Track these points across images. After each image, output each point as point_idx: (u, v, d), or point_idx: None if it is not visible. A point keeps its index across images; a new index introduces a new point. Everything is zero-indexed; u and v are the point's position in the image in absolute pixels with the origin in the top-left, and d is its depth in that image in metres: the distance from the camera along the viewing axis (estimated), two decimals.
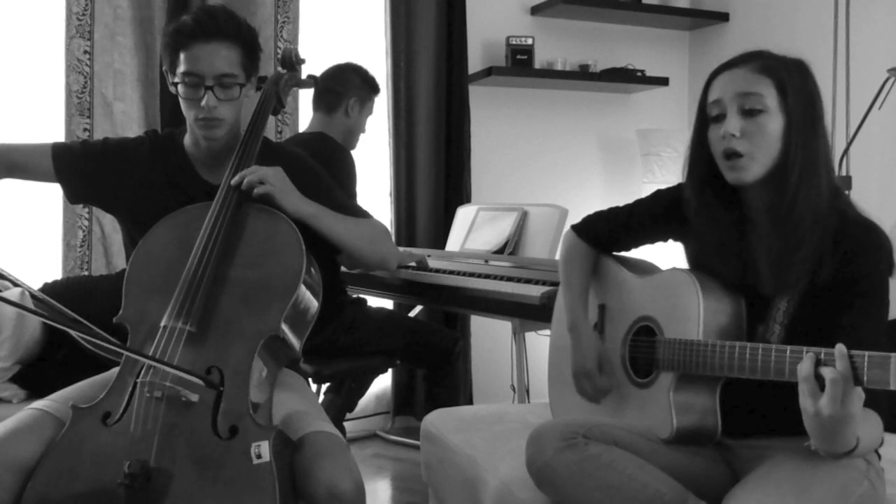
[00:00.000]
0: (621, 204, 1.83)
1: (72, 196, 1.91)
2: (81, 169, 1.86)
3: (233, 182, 1.73)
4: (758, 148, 1.46)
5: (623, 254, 1.87)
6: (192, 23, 1.73)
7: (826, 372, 1.22)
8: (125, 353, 1.54)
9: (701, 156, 1.56)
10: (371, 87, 3.00)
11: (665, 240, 1.78)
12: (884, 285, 1.43)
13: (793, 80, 1.47)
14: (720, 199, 1.55)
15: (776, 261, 1.47)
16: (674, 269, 1.64)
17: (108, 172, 1.86)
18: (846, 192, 2.94)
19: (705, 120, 1.54)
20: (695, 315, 1.53)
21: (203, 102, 1.73)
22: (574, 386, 1.76)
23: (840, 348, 1.22)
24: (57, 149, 1.86)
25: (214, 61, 1.72)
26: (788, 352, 1.31)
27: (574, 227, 1.88)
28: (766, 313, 1.50)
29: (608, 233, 1.82)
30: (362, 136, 3.04)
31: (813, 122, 1.48)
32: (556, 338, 1.93)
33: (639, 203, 1.80)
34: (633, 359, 1.69)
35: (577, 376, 1.75)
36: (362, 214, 1.95)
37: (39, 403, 1.58)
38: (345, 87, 2.93)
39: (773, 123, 1.46)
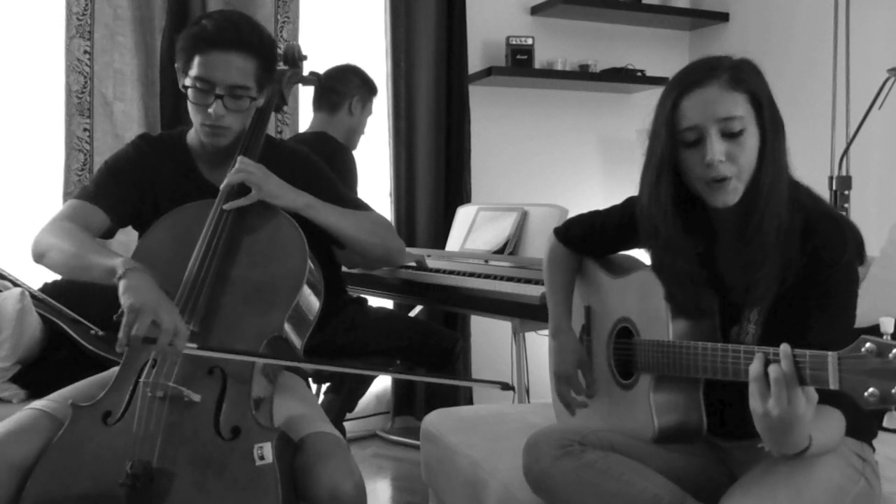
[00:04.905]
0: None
1: (115, 225, 1.84)
2: (119, 196, 1.81)
3: (225, 207, 1.69)
4: (741, 168, 1.41)
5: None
6: (214, 29, 1.69)
7: (770, 370, 1.19)
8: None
9: (668, 180, 1.46)
10: (370, 87, 3.05)
11: (641, 247, 1.70)
12: (852, 277, 1.40)
13: (760, 87, 1.42)
14: (686, 227, 1.49)
15: (744, 277, 1.43)
16: (645, 269, 1.61)
17: (132, 185, 1.84)
18: (846, 191, 2.97)
19: (674, 143, 1.44)
20: (664, 314, 1.51)
21: (211, 110, 1.71)
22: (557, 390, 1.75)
23: (784, 348, 1.19)
24: (91, 196, 1.79)
25: (229, 71, 1.70)
26: (754, 352, 1.27)
27: (556, 231, 1.86)
28: (739, 314, 1.47)
29: (584, 238, 1.80)
30: (362, 137, 3.06)
31: (779, 128, 1.44)
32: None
33: (612, 209, 1.76)
34: (619, 361, 1.68)
35: (557, 379, 1.74)
36: (364, 208, 1.93)
37: (38, 403, 1.58)
38: (347, 87, 2.97)
39: (752, 139, 1.41)
